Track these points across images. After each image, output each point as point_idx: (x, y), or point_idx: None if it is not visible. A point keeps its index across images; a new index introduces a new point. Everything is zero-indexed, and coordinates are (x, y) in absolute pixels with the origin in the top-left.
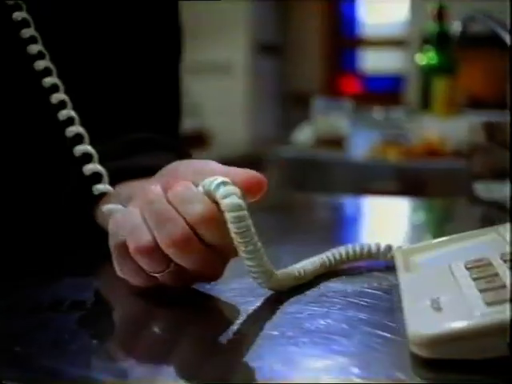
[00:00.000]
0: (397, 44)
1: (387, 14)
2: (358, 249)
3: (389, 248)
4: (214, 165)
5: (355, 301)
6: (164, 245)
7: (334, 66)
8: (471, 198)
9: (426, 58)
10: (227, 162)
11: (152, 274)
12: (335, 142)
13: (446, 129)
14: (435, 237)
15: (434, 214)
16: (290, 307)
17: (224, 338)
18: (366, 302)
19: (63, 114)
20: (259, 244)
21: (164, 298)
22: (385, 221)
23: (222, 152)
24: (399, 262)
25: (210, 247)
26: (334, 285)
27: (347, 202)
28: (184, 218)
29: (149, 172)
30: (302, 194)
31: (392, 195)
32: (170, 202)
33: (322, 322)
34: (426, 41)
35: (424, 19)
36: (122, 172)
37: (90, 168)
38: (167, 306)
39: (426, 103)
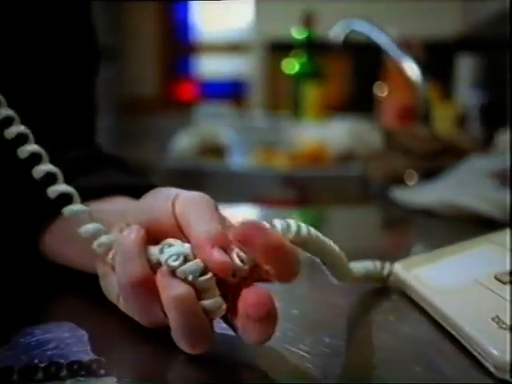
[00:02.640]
0: (236, 49)
1: (226, 19)
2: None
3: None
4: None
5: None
6: None
7: (170, 71)
8: (386, 202)
9: (295, 63)
10: None
11: None
12: (217, 150)
13: (323, 134)
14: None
15: (357, 221)
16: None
17: None
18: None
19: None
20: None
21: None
22: None
23: None
24: (408, 278)
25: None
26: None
27: (237, 211)
28: None
29: (105, 192)
30: None
31: (282, 203)
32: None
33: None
34: (293, 46)
35: (267, 25)
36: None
37: (42, 169)
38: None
39: (296, 109)
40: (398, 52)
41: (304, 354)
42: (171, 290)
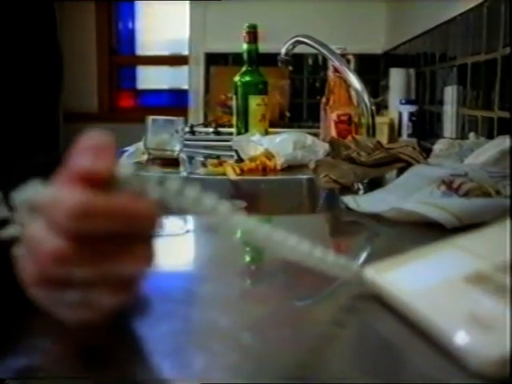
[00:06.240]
0: (177, 61)
1: (167, 31)
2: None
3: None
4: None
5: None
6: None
7: (111, 83)
8: (336, 210)
9: (239, 76)
10: None
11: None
12: (168, 161)
13: (269, 145)
14: None
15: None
16: None
17: None
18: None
19: None
20: None
21: None
22: None
23: None
24: (381, 281)
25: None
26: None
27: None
28: None
29: None
30: None
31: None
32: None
33: None
34: (233, 59)
35: (204, 38)
36: None
37: None
38: None
39: (241, 121)
40: (341, 66)
41: (270, 352)
42: None
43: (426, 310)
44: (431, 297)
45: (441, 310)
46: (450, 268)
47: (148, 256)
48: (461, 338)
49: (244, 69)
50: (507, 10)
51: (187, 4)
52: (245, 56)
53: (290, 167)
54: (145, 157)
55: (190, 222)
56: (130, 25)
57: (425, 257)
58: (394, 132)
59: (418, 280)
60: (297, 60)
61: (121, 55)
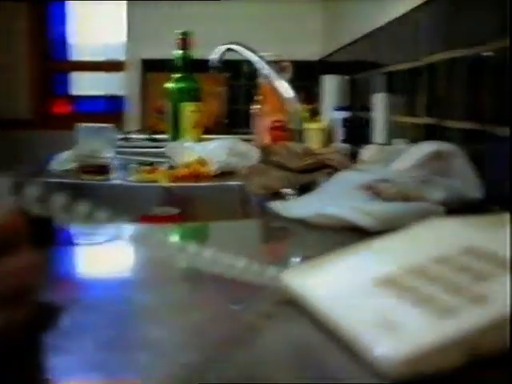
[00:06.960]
0: (111, 67)
1: (102, 37)
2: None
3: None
4: None
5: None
6: None
7: (44, 89)
8: (265, 215)
9: (172, 83)
10: None
11: None
12: (100, 169)
13: (203, 151)
14: None
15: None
16: None
17: None
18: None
19: None
20: None
21: None
22: None
23: None
24: (295, 286)
25: None
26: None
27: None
28: None
29: None
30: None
31: (164, 219)
32: None
33: None
34: (169, 66)
35: (140, 43)
36: None
37: None
38: None
39: (174, 129)
40: (271, 73)
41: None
42: None
43: (337, 314)
44: (342, 300)
45: (351, 314)
46: (360, 271)
47: (22, 265)
48: (369, 341)
49: (177, 75)
50: (439, 17)
51: (125, 8)
52: (178, 62)
53: (224, 174)
54: (75, 164)
55: (123, 229)
56: (64, 29)
57: (339, 260)
58: (329, 138)
59: (330, 284)
60: (234, 67)
61: (54, 60)
